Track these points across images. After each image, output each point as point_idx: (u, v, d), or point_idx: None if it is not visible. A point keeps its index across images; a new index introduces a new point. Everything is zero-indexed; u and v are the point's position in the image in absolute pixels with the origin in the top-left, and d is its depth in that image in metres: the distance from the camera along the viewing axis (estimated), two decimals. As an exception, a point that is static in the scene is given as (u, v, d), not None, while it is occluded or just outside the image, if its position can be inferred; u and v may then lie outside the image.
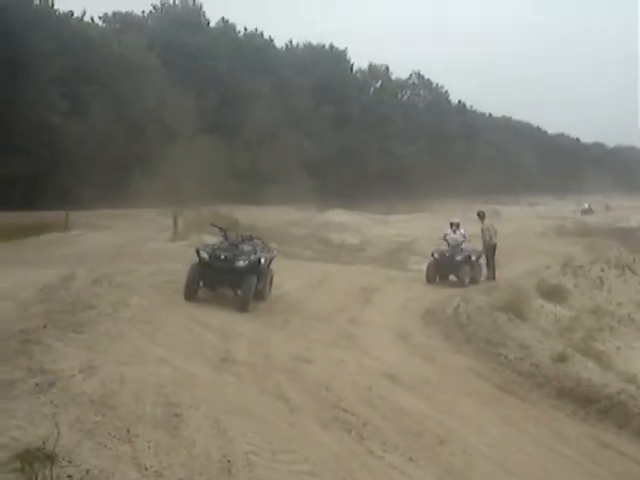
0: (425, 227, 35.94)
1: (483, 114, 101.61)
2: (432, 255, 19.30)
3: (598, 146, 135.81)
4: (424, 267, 19.66)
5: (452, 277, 19.09)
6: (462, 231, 19.72)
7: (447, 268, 19.05)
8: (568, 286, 18.68)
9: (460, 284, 18.28)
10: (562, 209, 65.79)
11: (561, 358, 10.18)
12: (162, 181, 35.59)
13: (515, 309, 13.69)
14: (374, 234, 32.49)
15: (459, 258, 18.96)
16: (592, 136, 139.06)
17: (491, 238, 20.07)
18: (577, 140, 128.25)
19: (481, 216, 20.62)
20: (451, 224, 19.98)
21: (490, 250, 19.97)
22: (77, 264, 15.33)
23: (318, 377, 8.69)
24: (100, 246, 20.24)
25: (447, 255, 19.03)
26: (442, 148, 74.30)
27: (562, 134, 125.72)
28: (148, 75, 43.68)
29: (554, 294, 17.14)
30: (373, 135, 63.66)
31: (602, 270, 21.65)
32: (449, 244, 19.40)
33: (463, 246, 19.33)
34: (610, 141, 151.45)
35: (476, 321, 12.84)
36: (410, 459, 6.39)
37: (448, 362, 10.70)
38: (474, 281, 18.87)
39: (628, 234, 39.36)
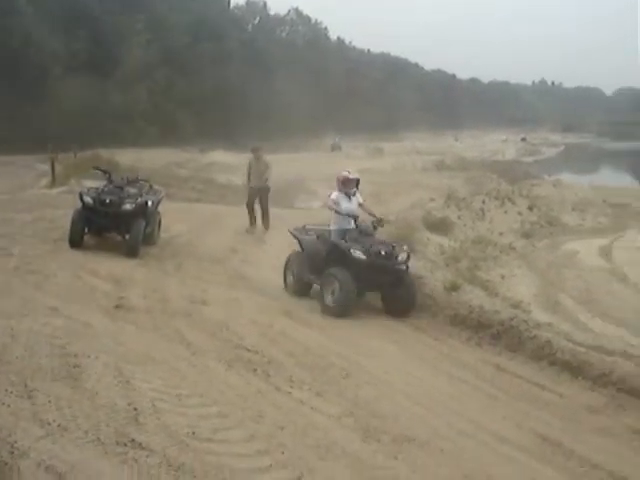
0: (310, 165, 36.04)
1: (362, 50, 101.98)
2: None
3: (474, 82, 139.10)
4: (313, 204, 19.46)
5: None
6: None
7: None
8: (452, 218, 19.21)
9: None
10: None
11: (453, 287, 10.44)
12: (36, 125, 33.95)
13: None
14: (259, 173, 32.11)
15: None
16: (468, 72, 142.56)
17: (265, 179, 16.02)
18: (453, 76, 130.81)
19: (255, 151, 16.39)
20: None
21: (264, 194, 16.17)
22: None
23: (217, 318, 8.59)
24: (-27, 195, 19.13)
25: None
26: (323, 85, 74.07)
27: (439, 70, 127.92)
28: (15, 14, 41.12)
29: (439, 226, 17.59)
30: (253, 72, 62.63)
31: (483, 202, 22.49)
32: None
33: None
34: (485, 77, 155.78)
35: (368, 255, 12.96)
36: (317, 394, 6.43)
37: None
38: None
39: (506, 167, 40.87)
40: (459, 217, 19.86)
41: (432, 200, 21.30)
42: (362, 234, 10.27)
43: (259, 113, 59.60)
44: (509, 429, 6.37)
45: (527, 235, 19.47)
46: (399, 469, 5.25)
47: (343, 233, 10.41)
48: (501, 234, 18.61)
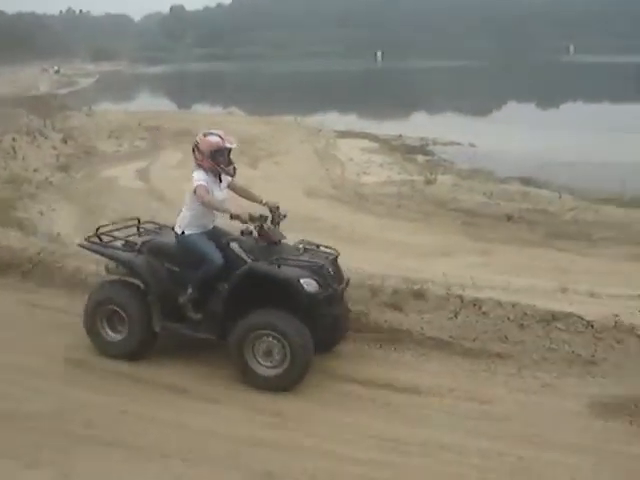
0: None
1: None
2: None
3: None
4: None
5: None
6: None
7: None
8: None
9: None
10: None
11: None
12: None
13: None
14: None
15: None
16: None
17: None
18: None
19: None
20: None
21: None
22: None
23: None
24: None
25: None
26: None
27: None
28: None
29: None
30: None
31: (14, 139, 21.66)
32: None
33: None
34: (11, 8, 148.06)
35: None
36: None
37: None
38: None
39: (38, 101, 39.56)
40: (-12, 159, 18.86)
41: None
42: (264, 242, 5.95)
43: None
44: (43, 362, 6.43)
45: (64, 168, 19.25)
46: None
47: (210, 239, 6.16)
48: (36, 170, 18.11)
